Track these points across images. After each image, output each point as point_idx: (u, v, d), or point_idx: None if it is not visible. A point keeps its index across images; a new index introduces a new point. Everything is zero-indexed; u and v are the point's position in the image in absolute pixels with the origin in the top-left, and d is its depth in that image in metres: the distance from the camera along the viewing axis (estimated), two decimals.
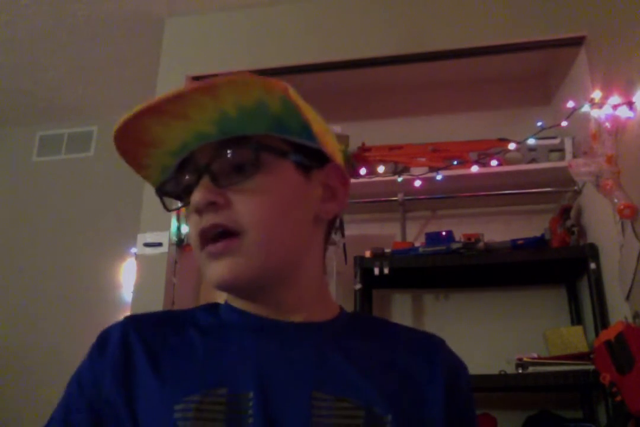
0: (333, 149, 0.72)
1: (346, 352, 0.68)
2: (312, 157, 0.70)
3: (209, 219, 0.64)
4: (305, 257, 0.70)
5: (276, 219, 0.65)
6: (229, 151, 0.65)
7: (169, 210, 0.72)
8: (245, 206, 0.64)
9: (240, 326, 0.69)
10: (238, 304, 0.71)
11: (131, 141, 0.67)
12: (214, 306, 0.74)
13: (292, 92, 0.64)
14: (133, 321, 0.70)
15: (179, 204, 0.70)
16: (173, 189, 0.69)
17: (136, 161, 0.70)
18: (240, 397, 0.60)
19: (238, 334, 0.68)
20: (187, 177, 0.68)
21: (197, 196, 0.64)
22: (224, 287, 0.66)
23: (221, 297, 0.75)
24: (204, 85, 0.61)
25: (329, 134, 0.73)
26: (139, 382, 0.63)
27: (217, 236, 0.64)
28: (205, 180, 0.65)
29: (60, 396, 0.66)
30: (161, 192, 0.70)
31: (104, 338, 0.67)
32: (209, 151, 0.66)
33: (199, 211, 0.64)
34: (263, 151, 0.65)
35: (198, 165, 0.66)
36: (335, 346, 0.68)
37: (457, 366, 0.73)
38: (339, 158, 0.73)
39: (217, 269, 0.64)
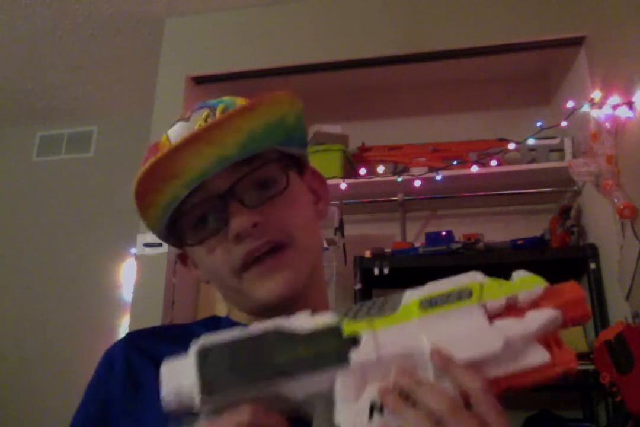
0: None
1: None
2: (297, 164, 0.73)
3: (255, 240, 0.64)
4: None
5: (310, 224, 0.70)
6: (253, 170, 0.66)
7: (192, 244, 0.68)
8: (287, 217, 0.67)
9: None
10: (241, 318, 0.72)
11: (154, 176, 0.64)
12: (213, 320, 0.75)
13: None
14: (133, 337, 0.72)
15: (188, 239, 0.68)
16: (186, 223, 0.67)
17: (148, 198, 0.66)
18: None
19: None
20: (203, 206, 0.66)
21: (237, 223, 0.63)
22: (279, 301, 0.66)
23: (221, 300, 0.76)
24: (247, 106, 0.64)
25: None
26: (146, 395, 0.64)
27: (264, 255, 0.65)
28: (237, 206, 0.64)
29: (72, 414, 0.68)
30: (176, 227, 0.68)
31: (109, 358, 0.69)
32: (224, 177, 0.65)
33: (242, 237, 0.64)
34: (283, 165, 0.68)
35: (216, 192, 0.65)
36: None
37: None
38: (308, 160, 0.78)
39: (274, 283, 0.65)
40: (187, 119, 0.69)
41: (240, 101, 0.70)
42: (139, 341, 0.70)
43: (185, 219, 0.67)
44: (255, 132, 0.64)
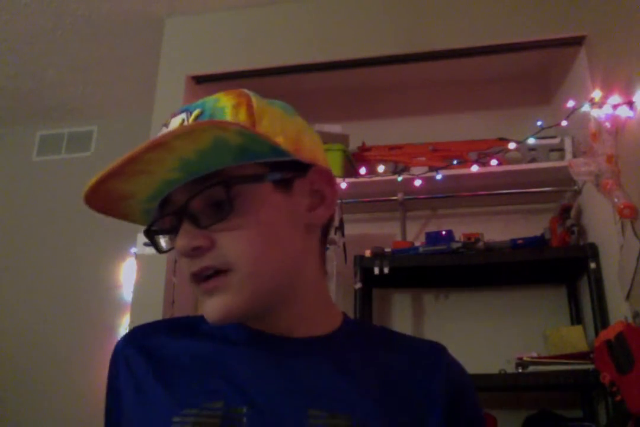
0: (312, 150, 0.69)
1: (344, 367, 0.68)
2: (292, 168, 0.66)
3: (197, 263, 0.63)
4: (303, 268, 0.69)
5: (264, 249, 0.64)
6: (202, 191, 0.62)
7: (161, 252, 0.68)
8: (231, 244, 0.62)
9: (239, 340, 0.70)
10: None
11: (103, 199, 0.67)
12: None
13: (255, 101, 0.65)
14: (135, 332, 0.73)
15: (170, 245, 0.68)
16: (162, 228, 0.67)
17: (116, 212, 0.69)
18: (235, 411, 0.61)
19: (237, 348, 0.69)
20: (169, 218, 0.66)
21: (180, 242, 0.62)
22: (219, 322, 0.65)
23: None
24: (155, 143, 0.58)
25: (305, 133, 0.70)
26: (146, 395, 0.66)
27: (210, 274, 0.64)
28: (186, 224, 0.63)
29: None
30: (151, 234, 0.68)
31: (114, 355, 0.71)
32: (184, 191, 0.64)
33: (185, 257, 0.64)
34: (236, 184, 0.62)
35: (176, 206, 0.64)
36: (334, 362, 0.68)
37: (458, 373, 0.73)
38: (320, 157, 0.71)
39: (211, 306, 0.64)
40: (167, 125, 0.68)
41: (225, 100, 0.65)
42: (139, 336, 0.71)
43: (160, 226, 0.67)
44: (190, 158, 0.61)
